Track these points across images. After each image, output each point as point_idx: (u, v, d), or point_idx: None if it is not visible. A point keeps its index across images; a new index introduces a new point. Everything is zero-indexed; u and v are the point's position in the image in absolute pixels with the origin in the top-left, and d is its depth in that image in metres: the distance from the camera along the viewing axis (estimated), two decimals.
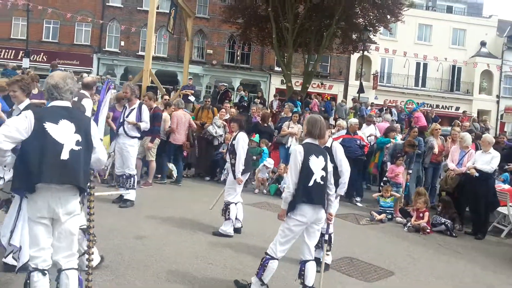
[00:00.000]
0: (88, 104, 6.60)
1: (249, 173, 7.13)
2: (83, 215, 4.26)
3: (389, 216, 9.33)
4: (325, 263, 5.81)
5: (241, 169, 6.84)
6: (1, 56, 30.09)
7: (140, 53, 31.27)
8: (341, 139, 10.65)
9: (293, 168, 4.77)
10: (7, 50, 30.67)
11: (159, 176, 10.40)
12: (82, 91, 6.85)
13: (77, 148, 3.53)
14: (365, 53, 25.84)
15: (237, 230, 6.95)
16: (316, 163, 4.77)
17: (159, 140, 9.87)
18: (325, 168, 4.85)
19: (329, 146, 5.89)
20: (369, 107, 21.60)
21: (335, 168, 5.77)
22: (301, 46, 23.77)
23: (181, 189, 9.98)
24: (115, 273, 5.03)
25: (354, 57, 32.17)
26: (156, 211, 7.62)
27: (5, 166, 3.56)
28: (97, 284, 4.58)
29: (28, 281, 3.53)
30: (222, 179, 9.32)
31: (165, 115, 10.67)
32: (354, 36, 24.61)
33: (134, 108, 8.00)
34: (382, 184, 10.25)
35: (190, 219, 7.28)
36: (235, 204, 6.92)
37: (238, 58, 34.89)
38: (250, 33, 25.33)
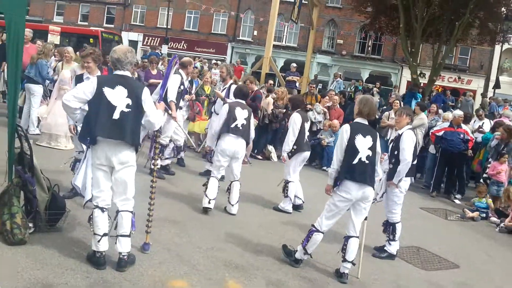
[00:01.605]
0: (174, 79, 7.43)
1: (304, 153, 7.22)
2: None
3: (483, 215, 8.84)
4: (390, 252, 5.95)
5: (287, 149, 7.03)
6: (148, 43, 33.36)
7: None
8: (442, 131, 10.29)
9: (339, 146, 5.00)
10: (153, 38, 33.91)
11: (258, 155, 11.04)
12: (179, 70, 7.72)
13: (127, 110, 4.22)
14: (508, 45, 23.77)
15: (297, 207, 7.26)
16: (363, 142, 4.94)
17: (257, 122, 10.46)
18: (372, 148, 4.98)
19: (400, 133, 5.95)
20: (502, 104, 19.94)
21: (397, 155, 5.84)
22: (432, 36, 22.68)
23: (271, 169, 10.37)
24: (180, 227, 5.72)
25: (499, 49, 29.65)
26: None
27: (76, 122, 4.37)
28: (159, 232, 5.29)
29: (91, 216, 4.35)
30: None
31: (269, 99, 11.24)
32: (493, 27, 22.75)
33: (226, 87, 8.67)
34: (481, 181, 9.70)
35: (268, 196, 7.72)
36: (294, 182, 7.19)
37: (369, 48, 34.31)
38: (379, 23, 24.81)
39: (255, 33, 34.03)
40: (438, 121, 11.52)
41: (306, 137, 7.33)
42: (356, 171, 4.92)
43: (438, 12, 20.94)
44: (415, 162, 6.05)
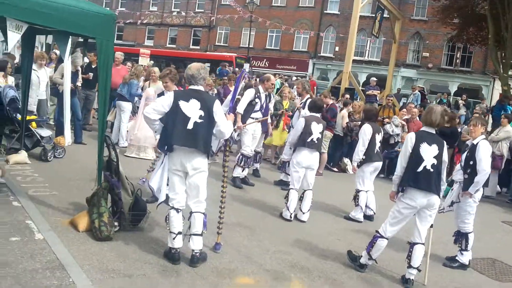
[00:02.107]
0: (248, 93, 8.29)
1: (374, 163, 7.29)
2: None
3: None
4: (462, 262, 5.88)
5: (357, 158, 7.22)
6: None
7: (353, 57, 32.29)
8: None
9: (403, 153, 5.10)
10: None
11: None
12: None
13: (200, 121, 4.65)
14: None
15: (369, 218, 7.31)
16: (428, 151, 4.99)
17: (332, 134, 10.62)
18: (438, 157, 5.01)
19: (475, 143, 5.91)
20: None
21: (474, 166, 5.78)
22: None
23: (346, 180, 10.42)
24: (251, 231, 6.04)
25: None
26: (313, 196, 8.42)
27: (155, 132, 4.87)
28: (230, 235, 5.65)
29: (167, 216, 4.81)
30: None
31: (344, 112, 11.38)
32: None
33: (303, 102, 8.99)
34: None
35: (341, 206, 7.84)
36: (366, 192, 7.28)
37: (458, 60, 33.02)
38: (467, 34, 23.95)
39: (337, 48, 34.09)
40: None
41: (377, 148, 7.42)
42: (421, 179, 4.97)
43: None
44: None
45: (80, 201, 5.74)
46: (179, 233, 4.75)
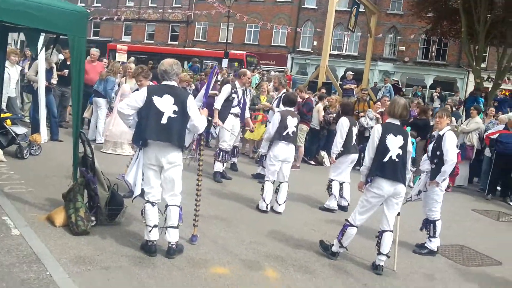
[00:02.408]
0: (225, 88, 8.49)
1: (351, 155, 7.52)
2: None
3: None
4: (430, 249, 6.10)
5: (336, 151, 7.46)
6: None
7: (331, 51, 32.57)
8: (497, 134, 10.15)
9: (370, 145, 5.29)
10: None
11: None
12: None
13: (173, 115, 4.75)
14: None
15: (343, 208, 7.51)
16: (394, 142, 5.18)
17: (308, 128, 10.79)
18: (403, 147, 5.21)
19: (441, 134, 6.12)
20: None
21: (441, 156, 6.00)
22: (497, 38, 21.97)
23: (323, 173, 10.58)
24: (227, 223, 6.17)
25: None
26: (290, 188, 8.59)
27: (129, 127, 4.95)
28: (207, 227, 5.77)
29: (143, 209, 4.92)
30: None
31: (319, 106, 11.56)
32: None
33: (279, 96, 9.15)
34: None
35: (317, 198, 8.02)
36: (339, 182, 7.50)
37: (433, 54, 33.56)
38: (441, 27, 24.38)
39: (315, 43, 34.35)
40: (495, 124, 11.32)
41: (354, 140, 7.63)
42: (387, 169, 5.16)
43: (503, 14, 20.32)
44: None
45: (57, 197, 5.78)
46: (155, 226, 4.85)
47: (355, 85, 19.36)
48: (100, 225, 5.36)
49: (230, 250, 5.29)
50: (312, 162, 11.56)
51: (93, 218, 5.32)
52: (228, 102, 8.33)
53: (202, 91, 7.51)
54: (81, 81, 5.47)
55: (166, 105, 4.75)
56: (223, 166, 8.54)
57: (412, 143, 10.95)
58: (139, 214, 5.39)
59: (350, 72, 20.35)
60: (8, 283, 3.85)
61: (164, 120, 4.72)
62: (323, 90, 13.29)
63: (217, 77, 6.73)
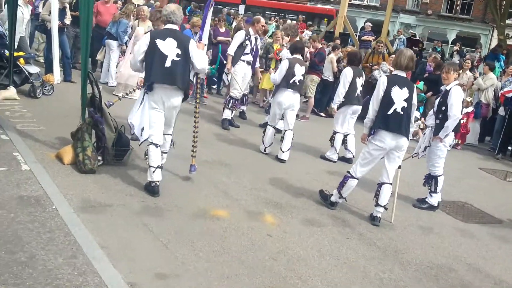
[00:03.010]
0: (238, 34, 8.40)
1: (353, 106, 7.49)
2: None
3: None
4: (431, 204, 6.18)
5: (337, 101, 7.42)
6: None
7: (352, 1, 31.73)
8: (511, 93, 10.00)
9: (375, 97, 5.27)
10: None
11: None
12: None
13: (177, 59, 4.84)
14: None
15: (347, 160, 7.58)
16: (399, 94, 5.16)
17: (319, 79, 10.73)
18: (408, 100, 5.19)
19: (448, 89, 6.05)
20: None
21: (446, 111, 5.96)
22: None
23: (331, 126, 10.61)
24: (230, 169, 6.31)
25: None
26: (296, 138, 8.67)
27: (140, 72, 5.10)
28: (210, 172, 5.94)
29: (146, 151, 5.11)
30: None
31: (331, 56, 11.42)
32: None
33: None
34: None
35: (323, 149, 8.06)
36: (343, 134, 7.57)
37: (458, 8, 32.51)
38: None
39: None
40: (511, 83, 11.10)
41: (358, 92, 7.56)
42: (391, 121, 5.17)
43: None
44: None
45: (67, 136, 5.91)
46: (159, 167, 5.01)
47: (373, 37, 18.89)
48: (107, 165, 5.53)
49: (230, 195, 5.44)
50: (322, 114, 11.55)
51: (100, 158, 5.47)
52: (240, 48, 8.27)
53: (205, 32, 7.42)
54: (89, 22, 5.50)
55: (169, 48, 4.85)
56: (231, 113, 8.60)
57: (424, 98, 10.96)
58: (143, 157, 5.57)
59: (369, 23, 19.78)
60: (16, 214, 4.04)
61: (168, 64, 4.82)
62: (338, 41, 13.04)
63: (212, 8, 6.68)
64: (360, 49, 17.89)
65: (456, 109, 5.88)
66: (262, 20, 8.82)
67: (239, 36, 8.31)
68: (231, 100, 8.45)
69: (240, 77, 8.38)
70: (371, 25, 19.62)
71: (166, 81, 4.87)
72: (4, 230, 3.76)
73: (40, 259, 3.45)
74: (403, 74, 5.28)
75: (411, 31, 22.17)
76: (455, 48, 20.30)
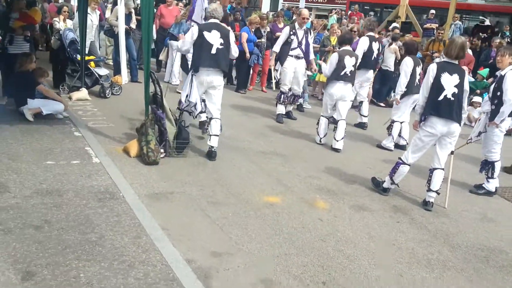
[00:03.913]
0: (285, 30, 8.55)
1: (414, 95, 7.39)
2: None
3: None
4: (488, 189, 6.12)
5: (400, 91, 7.42)
6: None
7: None
8: None
9: (425, 84, 5.31)
10: None
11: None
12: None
13: (221, 47, 5.96)
14: None
15: (402, 147, 7.57)
16: (449, 80, 5.17)
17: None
18: (459, 86, 5.18)
19: (503, 74, 5.96)
20: None
21: (501, 96, 5.88)
22: None
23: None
24: (285, 159, 6.54)
25: None
26: (353, 128, 8.77)
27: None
28: (265, 162, 6.20)
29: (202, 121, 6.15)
30: None
31: (393, 47, 11.31)
32: None
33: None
34: None
35: (378, 137, 8.11)
36: (400, 123, 7.58)
37: None
38: None
39: None
40: None
41: (417, 80, 7.55)
42: (442, 107, 5.18)
43: None
44: None
45: (133, 132, 6.44)
46: (215, 135, 6.13)
47: (437, 24, 18.40)
48: (169, 157, 5.96)
49: (284, 183, 5.68)
50: (382, 104, 11.49)
51: (162, 150, 5.90)
52: (287, 45, 8.35)
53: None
54: (150, 24, 5.92)
55: (214, 38, 5.93)
56: (285, 108, 8.80)
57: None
58: (202, 150, 6.04)
59: (432, 11, 19.29)
60: (87, 201, 4.52)
61: (213, 51, 5.92)
62: (397, 30, 12.85)
63: None
64: (423, 37, 17.57)
65: (511, 94, 5.77)
66: (304, 12, 8.54)
67: (284, 32, 8.44)
68: (282, 95, 8.61)
69: (290, 72, 8.39)
70: (434, 12, 19.11)
71: (212, 64, 5.93)
72: (78, 215, 4.23)
73: (108, 239, 3.87)
74: (454, 61, 5.26)
75: (482, 17, 21.21)
76: (506, 30, 19.23)
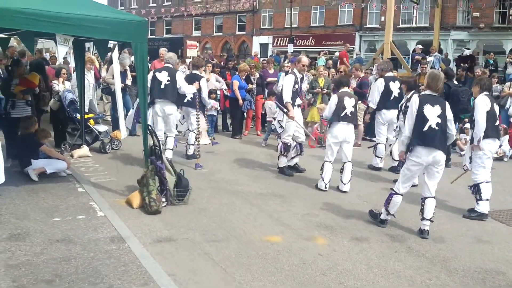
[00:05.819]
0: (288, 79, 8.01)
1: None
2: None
3: None
4: (480, 212, 6.31)
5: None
6: (277, 44, 35.07)
7: (400, 25, 31.91)
8: None
9: (409, 115, 5.60)
10: (281, 38, 35.54)
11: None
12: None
13: (168, 83, 8.10)
14: None
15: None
16: (431, 111, 5.46)
17: (366, 106, 11.02)
18: (441, 116, 5.47)
19: (476, 101, 6.39)
20: None
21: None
22: None
23: None
24: (284, 199, 6.74)
25: None
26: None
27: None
28: (265, 203, 6.39)
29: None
30: None
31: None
32: None
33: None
34: None
35: (371, 173, 8.33)
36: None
37: (511, 17, 31.67)
38: None
39: (382, 18, 33.56)
40: None
41: None
42: (426, 137, 5.45)
43: None
44: (497, 123, 6.35)
45: (135, 184, 6.65)
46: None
47: (425, 58, 18.99)
48: (170, 205, 6.16)
49: (283, 222, 5.87)
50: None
51: (163, 199, 6.12)
52: (295, 93, 8.00)
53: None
54: (145, 80, 6.26)
55: (163, 77, 8.11)
56: (288, 160, 8.40)
57: None
58: (201, 194, 6.21)
59: (419, 46, 19.97)
60: (95, 253, 4.69)
61: (162, 86, 8.04)
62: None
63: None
64: (412, 72, 18.10)
65: (480, 116, 6.23)
66: (303, 59, 8.43)
67: (290, 80, 7.89)
68: (284, 146, 8.18)
69: (294, 124, 8.08)
70: (421, 47, 19.76)
71: (161, 96, 8.07)
72: (86, 267, 4.40)
73: None
74: (435, 94, 5.57)
75: (464, 48, 21.91)
76: (508, 59, 19.86)
